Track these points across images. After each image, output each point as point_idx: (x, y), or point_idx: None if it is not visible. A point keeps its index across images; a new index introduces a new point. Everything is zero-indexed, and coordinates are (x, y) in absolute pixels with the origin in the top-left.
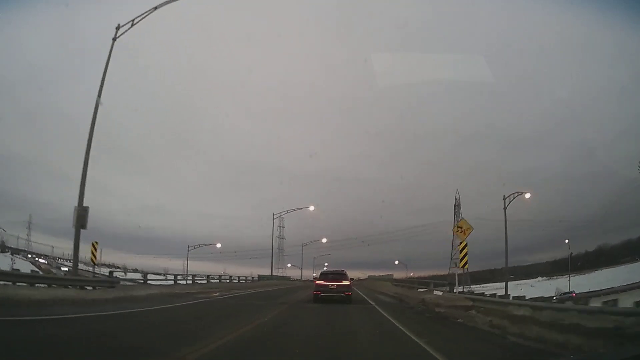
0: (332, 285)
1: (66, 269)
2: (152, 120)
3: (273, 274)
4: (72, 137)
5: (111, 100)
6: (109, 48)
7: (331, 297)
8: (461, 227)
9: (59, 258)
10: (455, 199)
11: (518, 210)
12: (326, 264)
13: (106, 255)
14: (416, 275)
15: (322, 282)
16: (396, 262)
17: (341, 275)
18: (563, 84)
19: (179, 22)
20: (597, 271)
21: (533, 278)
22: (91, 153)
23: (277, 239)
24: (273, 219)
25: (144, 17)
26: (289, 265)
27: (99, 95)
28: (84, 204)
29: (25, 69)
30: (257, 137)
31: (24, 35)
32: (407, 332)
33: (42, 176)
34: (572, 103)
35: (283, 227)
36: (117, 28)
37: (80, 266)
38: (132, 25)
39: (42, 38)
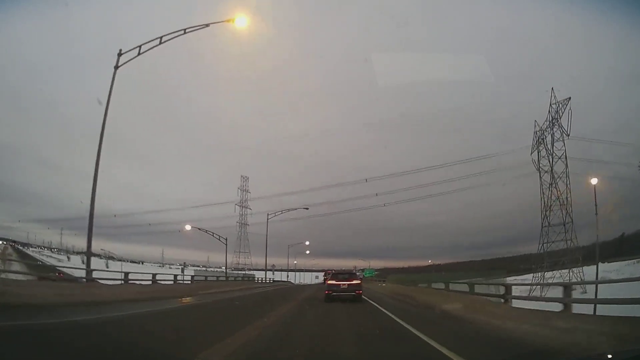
0: (343, 284)
1: None
2: (150, 115)
3: (240, 265)
4: (65, 129)
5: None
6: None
7: (342, 295)
8: None
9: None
10: (551, 106)
11: None
12: (307, 253)
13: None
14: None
15: (333, 282)
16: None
17: (352, 275)
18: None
19: (176, 19)
20: None
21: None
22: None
23: (239, 207)
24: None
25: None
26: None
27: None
28: None
29: (16, 59)
30: (257, 132)
31: (17, 28)
32: None
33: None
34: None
35: (248, 191)
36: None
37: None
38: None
39: (37, 32)
